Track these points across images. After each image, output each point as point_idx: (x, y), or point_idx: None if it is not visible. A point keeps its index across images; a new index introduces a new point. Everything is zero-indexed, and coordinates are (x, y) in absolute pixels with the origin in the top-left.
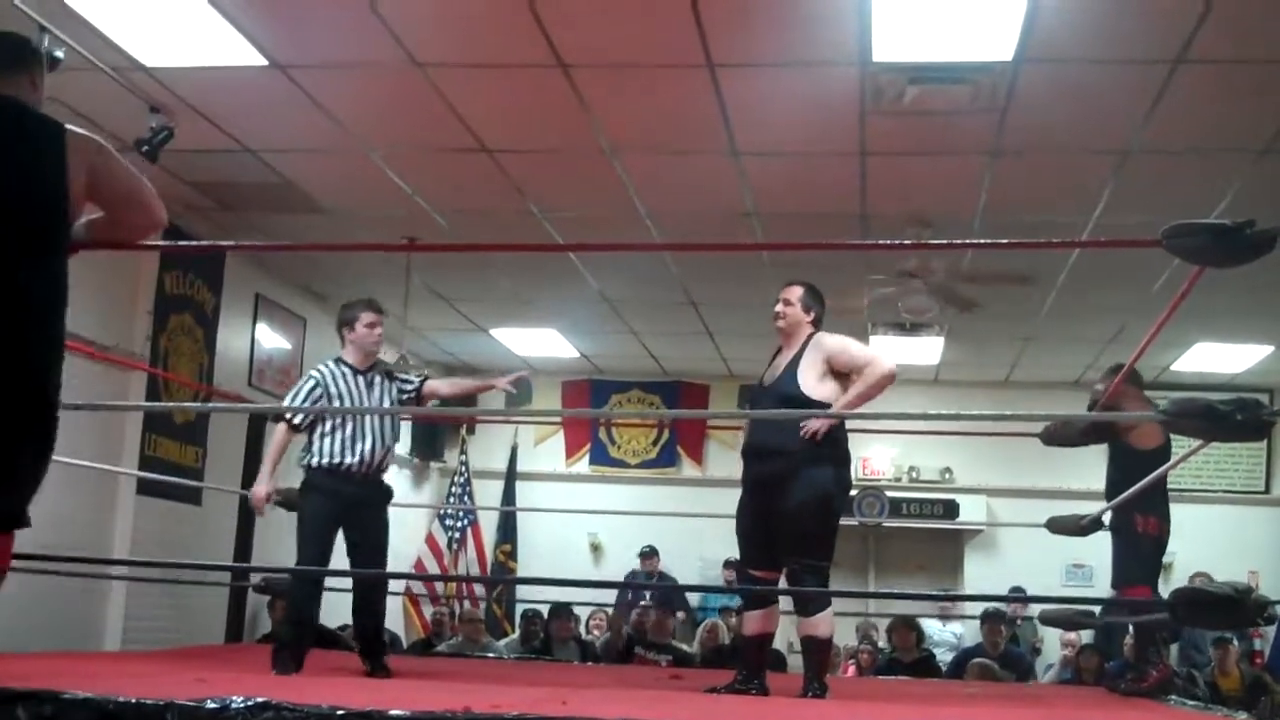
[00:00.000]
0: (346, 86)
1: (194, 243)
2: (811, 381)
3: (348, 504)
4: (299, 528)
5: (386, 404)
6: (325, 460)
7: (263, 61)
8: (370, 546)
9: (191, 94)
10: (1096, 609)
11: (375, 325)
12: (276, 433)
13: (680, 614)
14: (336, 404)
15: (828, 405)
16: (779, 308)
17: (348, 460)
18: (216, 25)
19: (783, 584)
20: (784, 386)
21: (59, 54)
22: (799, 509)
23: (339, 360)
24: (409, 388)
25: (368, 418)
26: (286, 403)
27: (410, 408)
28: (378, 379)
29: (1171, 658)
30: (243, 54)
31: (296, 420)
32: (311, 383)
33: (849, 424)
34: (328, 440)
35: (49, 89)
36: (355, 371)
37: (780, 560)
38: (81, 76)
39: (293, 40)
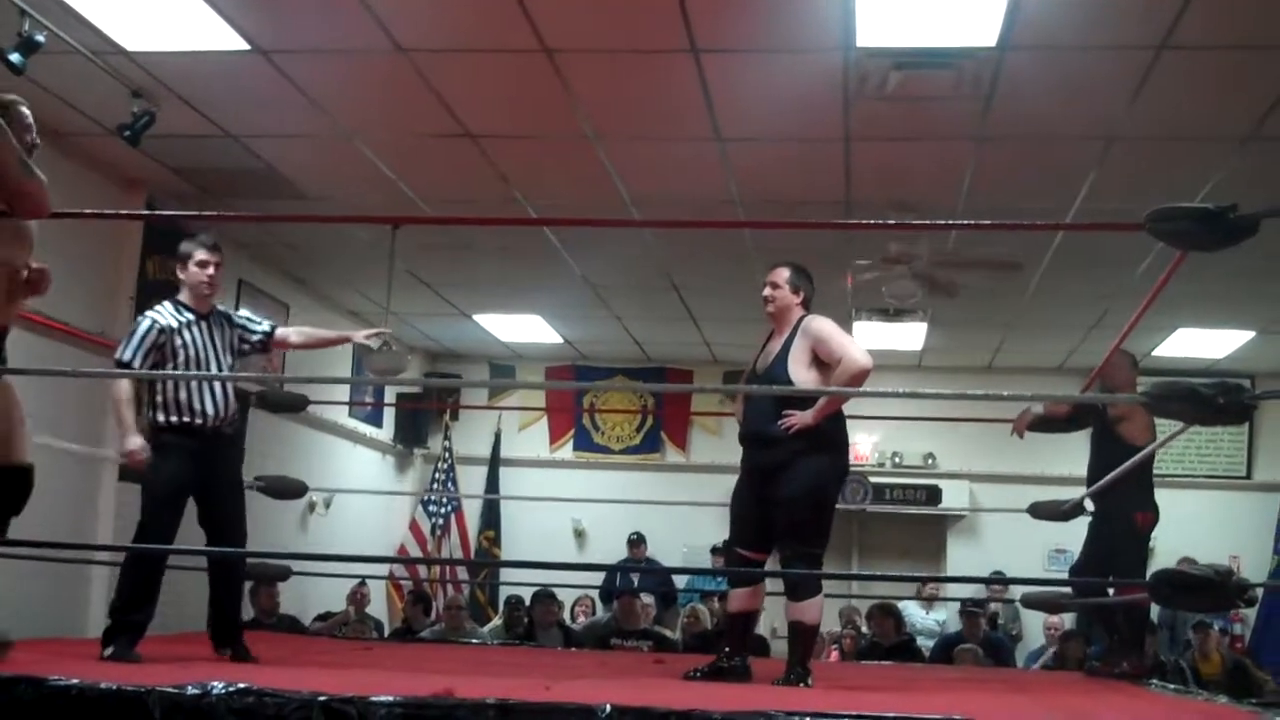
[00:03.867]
0: (330, 72)
1: (167, 212)
2: (801, 370)
3: (201, 464)
4: (149, 491)
5: (229, 353)
6: (175, 418)
7: (245, 46)
8: (229, 507)
9: (174, 79)
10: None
11: (207, 265)
12: (119, 384)
13: (649, 599)
14: (180, 352)
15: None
16: (766, 291)
17: (198, 416)
18: (198, 9)
19: (773, 567)
20: (775, 374)
21: (39, 37)
22: (794, 497)
23: (177, 303)
24: (254, 336)
25: (211, 367)
26: (121, 349)
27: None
28: (218, 326)
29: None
30: (225, 38)
31: (135, 362)
32: (148, 323)
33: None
34: (174, 395)
35: (30, 72)
36: (197, 316)
37: (774, 545)
38: (62, 60)
39: (275, 25)
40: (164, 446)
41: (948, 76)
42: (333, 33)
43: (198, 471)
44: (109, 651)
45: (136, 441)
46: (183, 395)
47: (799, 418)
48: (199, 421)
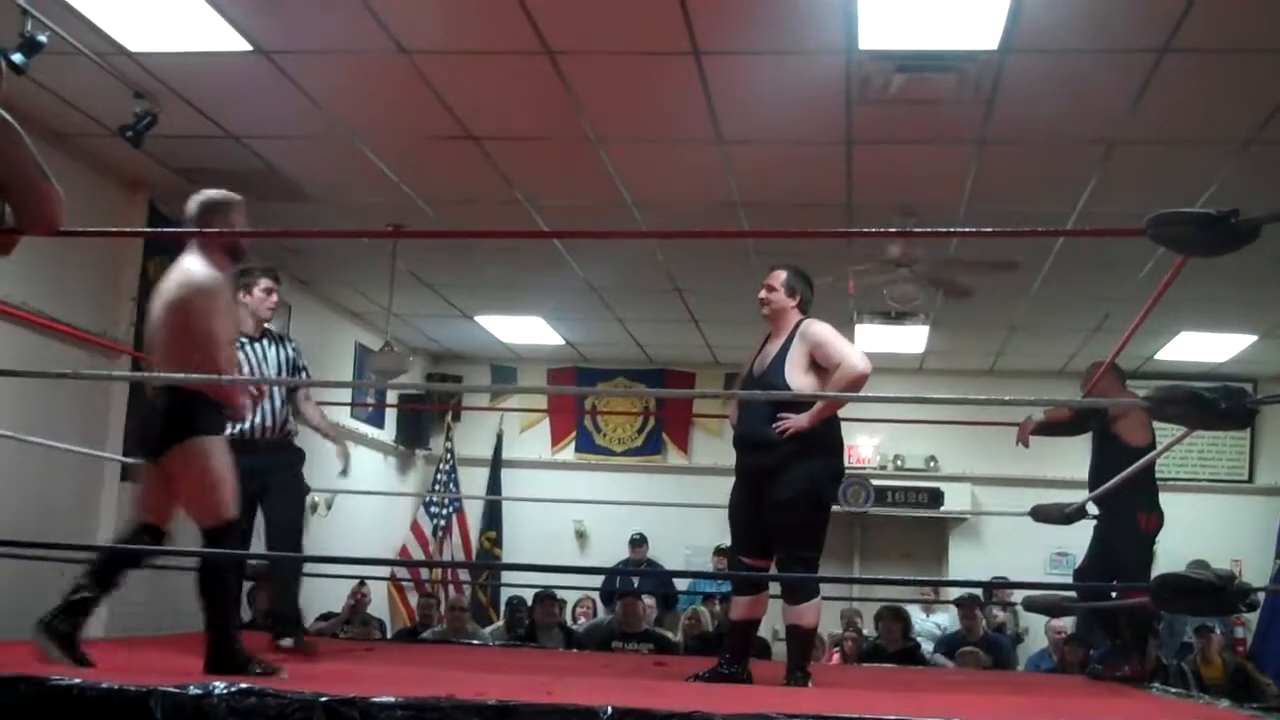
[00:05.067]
0: (332, 73)
1: (175, 229)
2: (797, 375)
3: (257, 476)
4: None
5: (284, 369)
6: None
7: (247, 47)
8: (285, 511)
9: (175, 79)
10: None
11: (272, 292)
12: None
13: (650, 600)
14: (242, 367)
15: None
16: (763, 294)
17: (251, 426)
18: (201, 10)
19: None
20: (771, 378)
21: (42, 38)
22: (789, 501)
23: None
24: (302, 363)
25: (263, 378)
26: None
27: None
28: (273, 344)
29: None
30: (227, 39)
31: None
32: None
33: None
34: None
35: (32, 73)
36: (251, 339)
37: (771, 549)
38: (65, 61)
39: (278, 26)
40: None
41: (950, 80)
42: (335, 34)
43: (255, 484)
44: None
45: None
46: None
47: (794, 421)
48: (251, 431)
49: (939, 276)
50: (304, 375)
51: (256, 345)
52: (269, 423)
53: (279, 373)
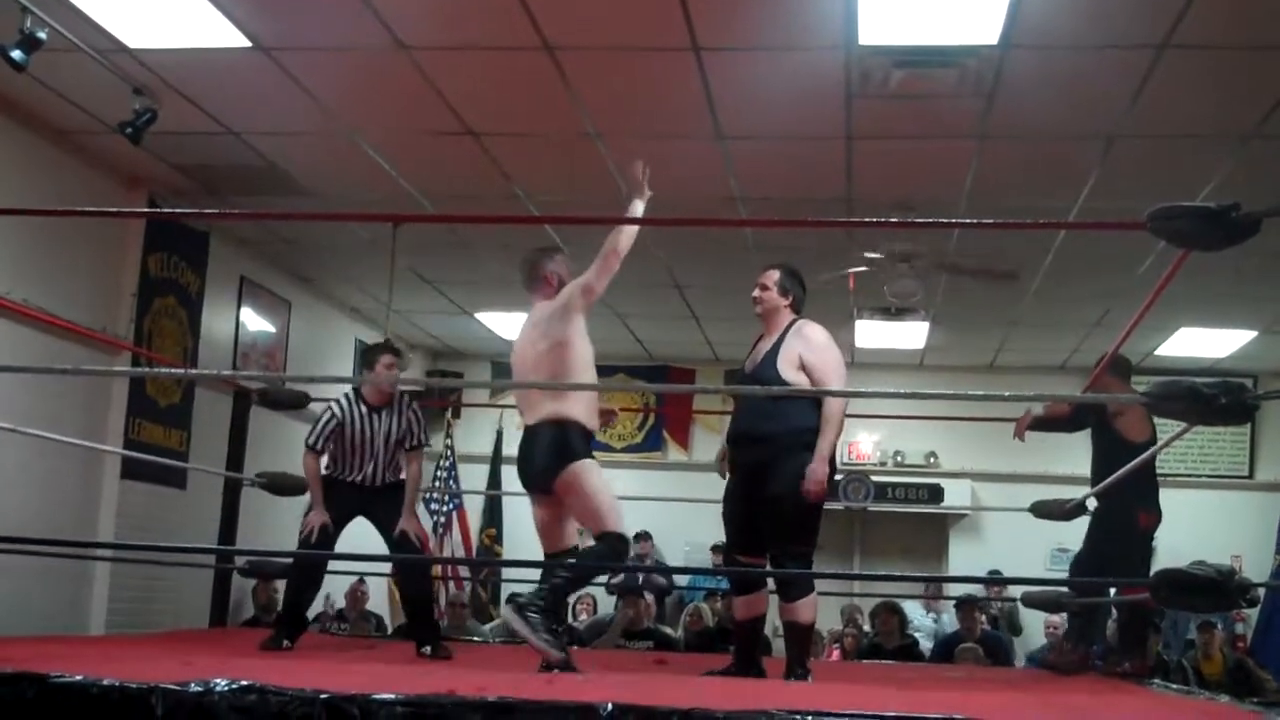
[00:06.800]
0: (330, 69)
1: (172, 209)
2: (790, 371)
3: (357, 499)
4: (305, 519)
5: (391, 437)
6: (333, 474)
7: (246, 43)
8: (405, 538)
9: (175, 76)
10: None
11: (392, 366)
12: (305, 463)
13: (650, 598)
14: (348, 437)
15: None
16: (756, 292)
17: (349, 476)
18: (200, 6)
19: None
20: (765, 374)
21: (41, 35)
22: (782, 496)
23: (357, 394)
24: (412, 440)
25: (371, 446)
26: (310, 435)
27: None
28: (390, 415)
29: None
30: (226, 36)
31: (318, 446)
32: (329, 416)
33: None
34: (336, 463)
35: (32, 70)
36: (371, 409)
37: (765, 545)
38: (64, 58)
39: (276, 22)
40: (328, 488)
41: (950, 75)
42: (334, 30)
43: (351, 508)
44: (265, 642)
45: (321, 517)
46: (343, 463)
47: (815, 477)
48: (352, 480)
49: (946, 263)
50: (412, 439)
51: (371, 416)
52: (368, 478)
53: (386, 441)
